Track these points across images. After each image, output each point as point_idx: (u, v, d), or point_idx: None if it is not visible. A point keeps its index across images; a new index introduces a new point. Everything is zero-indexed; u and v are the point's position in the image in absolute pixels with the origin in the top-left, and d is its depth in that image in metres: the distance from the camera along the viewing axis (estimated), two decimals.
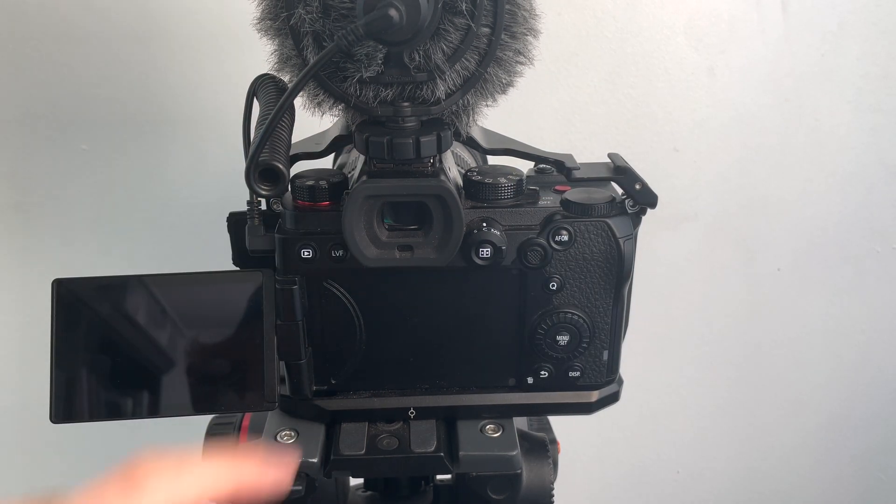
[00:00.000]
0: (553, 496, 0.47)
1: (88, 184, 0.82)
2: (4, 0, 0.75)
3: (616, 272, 0.43)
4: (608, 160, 0.45)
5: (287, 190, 0.36)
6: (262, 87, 0.40)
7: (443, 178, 0.37)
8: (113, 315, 0.40)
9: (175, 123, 0.81)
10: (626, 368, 0.48)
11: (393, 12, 0.32)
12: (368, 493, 0.54)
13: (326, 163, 0.48)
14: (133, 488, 0.35)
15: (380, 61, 0.36)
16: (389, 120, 0.37)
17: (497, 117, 0.42)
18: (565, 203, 0.43)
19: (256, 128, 0.37)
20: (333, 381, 0.45)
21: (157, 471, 0.36)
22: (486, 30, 0.36)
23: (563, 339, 0.44)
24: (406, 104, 0.36)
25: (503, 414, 0.46)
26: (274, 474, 0.36)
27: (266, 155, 0.35)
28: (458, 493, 0.51)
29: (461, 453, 0.44)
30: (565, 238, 0.42)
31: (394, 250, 0.38)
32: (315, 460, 0.43)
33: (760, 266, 0.96)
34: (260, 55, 0.39)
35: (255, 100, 0.40)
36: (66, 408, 0.40)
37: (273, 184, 0.35)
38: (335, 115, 0.39)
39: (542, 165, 0.47)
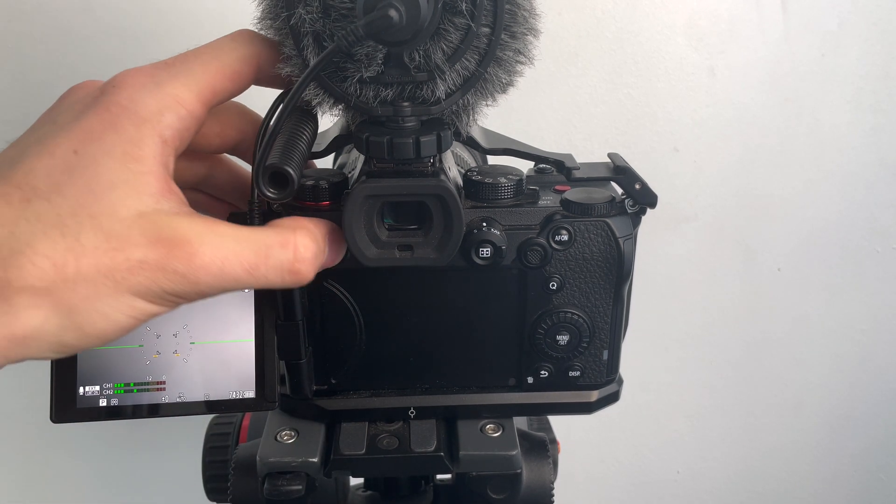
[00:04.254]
0: (553, 496, 0.47)
1: None
2: (4, 0, 0.75)
3: (616, 272, 0.43)
4: (608, 160, 0.45)
5: (294, 194, 0.36)
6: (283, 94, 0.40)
7: (443, 177, 0.37)
8: None
9: None
10: (626, 368, 0.48)
11: (393, 12, 0.32)
12: (368, 492, 0.54)
13: (326, 163, 0.48)
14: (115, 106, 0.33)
15: (380, 61, 0.36)
16: (389, 120, 0.37)
17: (497, 117, 0.42)
18: (565, 203, 0.43)
19: (271, 131, 0.37)
20: (333, 381, 0.45)
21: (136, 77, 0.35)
22: (486, 29, 0.36)
23: (563, 338, 0.44)
24: (406, 104, 0.36)
25: (503, 414, 0.46)
26: None
27: (277, 158, 0.35)
28: (458, 492, 0.51)
29: (461, 453, 0.44)
30: (565, 238, 0.42)
31: (394, 250, 0.38)
32: (315, 460, 0.43)
33: (760, 266, 0.96)
34: None
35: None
36: (66, 408, 0.40)
37: (282, 188, 0.35)
38: (335, 115, 0.39)
39: (542, 165, 0.47)
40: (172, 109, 0.34)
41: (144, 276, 0.31)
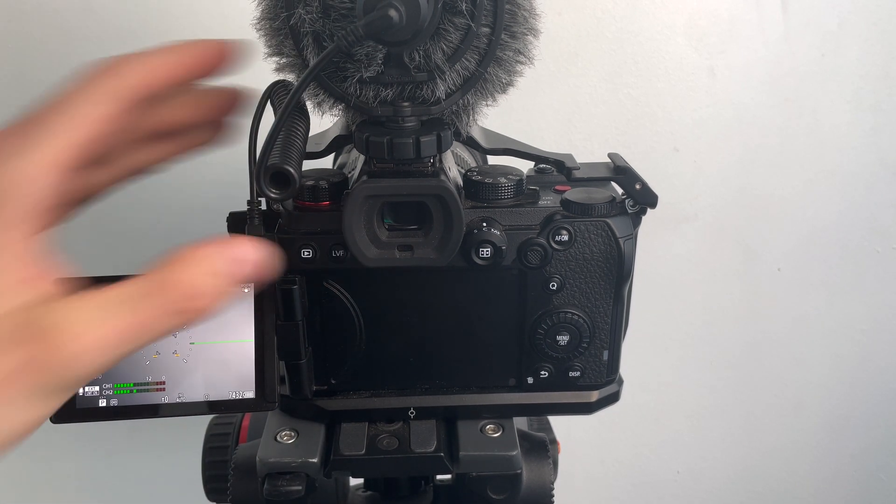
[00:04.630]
0: (553, 496, 0.47)
1: None
2: (4, 0, 0.75)
3: (616, 272, 0.43)
4: (608, 160, 0.45)
5: (296, 194, 0.36)
6: (276, 93, 0.40)
7: (443, 177, 0.37)
8: None
9: None
10: (626, 368, 0.48)
11: (393, 13, 0.32)
12: (368, 493, 0.54)
13: (326, 163, 0.48)
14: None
15: (380, 61, 0.36)
16: (389, 120, 0.37)
17: (497, 117, 0.42)
18: (565, 203, 0.43)
19: (269, 132, 0.37)
20: (333, 381, 0.45)
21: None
22: (486, 29, 0.36)
23: (563, 339, 0.44)
24: (406, 104, 0.36)
25: (503, 414, 0.46)
26: None
27: (278, 158, 0.35)
28: (458, 493, 0.51)
29: (461, 453, 0.44)
30: (565, 238, 0.42)
31: (394, 250, 0.38)
32: (315, 460, 0.43)
33: (760, 266, 0.96)
34: (260, 55, 0.39)
35: (267, 105, 0.40)
36: (65, 408, 0.40)
37: (283, 188, 0.35)
38: (335, 115, 0.39)
39: (542, 165, 0.47)
40: (28, 189, 0.31)
41: (27, 378, 0.30)
